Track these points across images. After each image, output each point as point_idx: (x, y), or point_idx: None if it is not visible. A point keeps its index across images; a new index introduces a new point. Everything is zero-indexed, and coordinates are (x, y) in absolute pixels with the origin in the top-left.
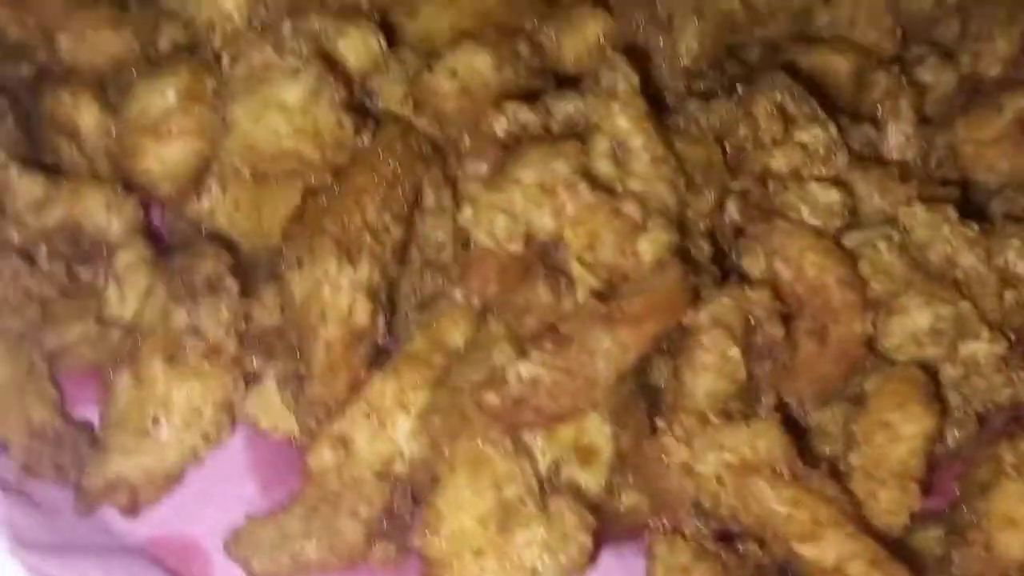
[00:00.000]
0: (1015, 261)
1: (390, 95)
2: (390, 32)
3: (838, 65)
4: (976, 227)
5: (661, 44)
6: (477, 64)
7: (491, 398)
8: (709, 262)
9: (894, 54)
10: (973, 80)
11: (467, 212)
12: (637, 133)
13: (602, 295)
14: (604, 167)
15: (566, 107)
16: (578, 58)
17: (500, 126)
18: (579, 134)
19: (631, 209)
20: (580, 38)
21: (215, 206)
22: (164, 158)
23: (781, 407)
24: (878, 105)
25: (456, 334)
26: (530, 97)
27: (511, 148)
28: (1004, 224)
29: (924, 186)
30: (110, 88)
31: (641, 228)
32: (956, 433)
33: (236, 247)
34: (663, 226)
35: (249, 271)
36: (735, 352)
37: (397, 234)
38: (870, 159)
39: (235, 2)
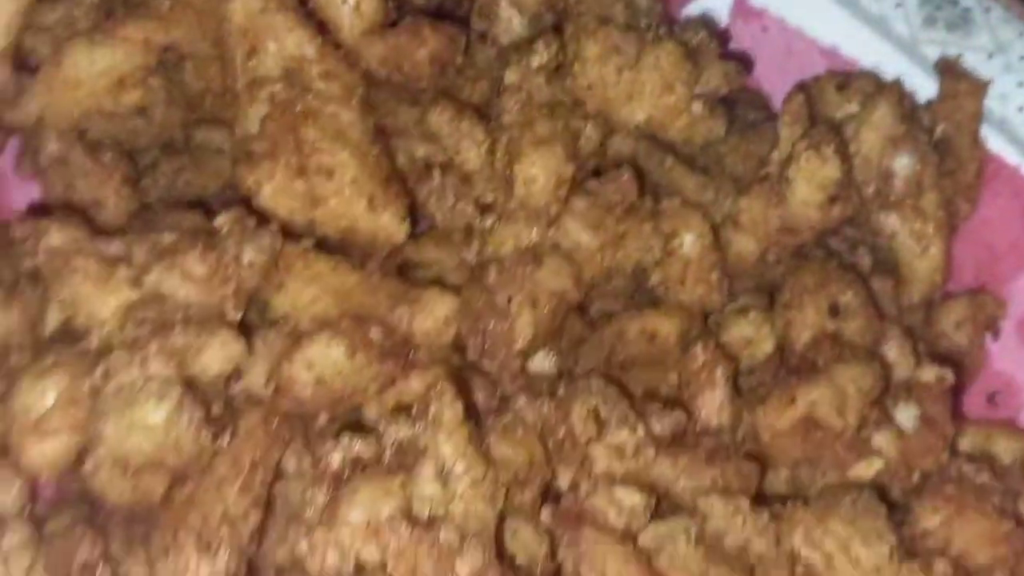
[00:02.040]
0: (800, 546)
1: (255, 376)
2: (262, 307)
3: (666, 329)
4: (767, 515)
5: (500, 329)
6: (332, 355)
7: None
8: (539, 544)
9: (721, 306)
10: (785, 345)
11: (303, 545)
12: (460, 460)
13: None
14: (430, 488)
15: (398, 434)
16: (426, 336)
17: (336, 459)
18: (410, 456)
19: (449, 538)
20: (430, 318)
21: (97, 470)
22: (45, 452)
23: None
24: (695, 374)
25: None
26: (360, 427)
27: (345, 480)
28: (793, 508)
29: (729, 463)
30: None
31: (458, 552)
32: None
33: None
34: (478, 547)
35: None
36: None
37: (255, 519)
38: (681, 441)
39: (110, 310)
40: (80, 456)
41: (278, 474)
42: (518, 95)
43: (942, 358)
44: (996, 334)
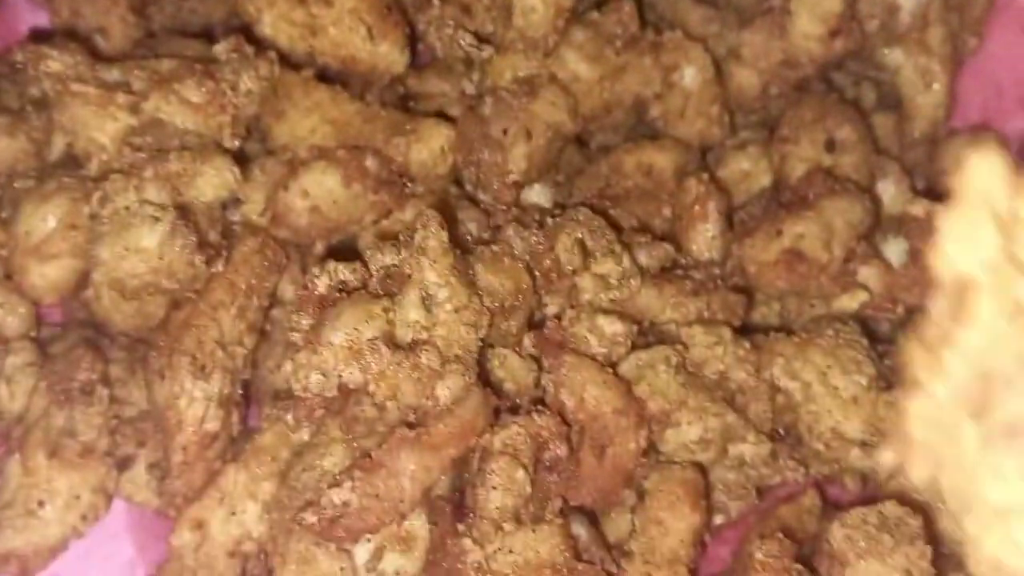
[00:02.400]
0: (779, 376)
1: (253, 203)
2: (263, 136)
3: (662, 162)
4: (747, 344)
5: (494, 160)
6: (327, 183)
7: (308, 517)
8: (526, 371)
9: (722, 140)
10: (780, 179)
11: (287, 367)
12: (443, 286)
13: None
14: (415, 314)
15: (384, 259)
16: (422, 166)
17: (322, 283)
18: (396, 283)
19: (430, 360)
20: (426, 149)
21: (98, 294)
22: (47, 275)
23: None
24: (688, 207)
25: (303, 431)
26: (352, 254)
27: (330, 304)
28: (775, 338)
29: (715, 294)
30: (4, 196)
31: (439, 375)
32: (733, 504)
33: (115, 338)
34: (459, 371)
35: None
36: (521, 475)
37: (250, 343)
38: (671, 274)
39: (109, 135)
40: (82, 281)
41: (275, 301)
42: None
43: (943, 195)
44: None
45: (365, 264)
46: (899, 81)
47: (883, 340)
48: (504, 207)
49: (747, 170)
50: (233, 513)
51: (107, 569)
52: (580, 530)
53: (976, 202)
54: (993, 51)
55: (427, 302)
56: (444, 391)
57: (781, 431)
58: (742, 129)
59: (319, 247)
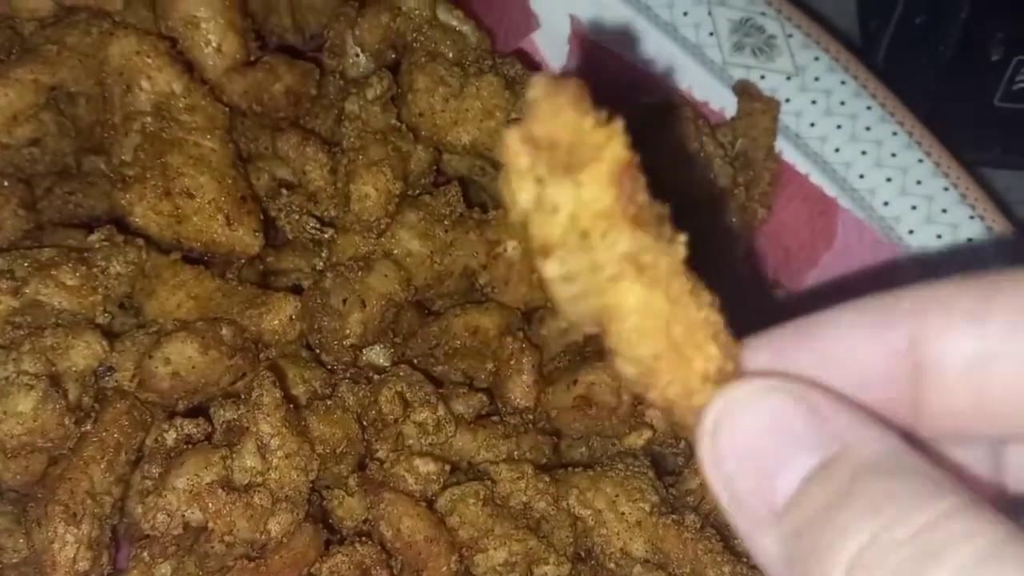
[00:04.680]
0: (574, 505)
1: (124, 370)
2: (137, 311)
3: (486, 323)
4: (547, 479)
5: (333, 327)
6: (186, 351)
7: None
8: (363, 509)
9: (545, 302)
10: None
11: (138, 510)
12: (275, 436)
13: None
14: (251, 461)
15: (225, 415)
16: (274, 333)
17: (170, 437)
18: (236, 433)
19: (262, 499)
20: (276, 319)
21: None
22: None
23: None
24: (506, 362)
25: (164, 567)
26: (198, 411)
27: (177, 455)
28: (572, 473)
29: (525, 436)
30: None
31: (271, 512)
32: None
33: (4, 493)
34: (288, 509)
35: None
36: None
37: (117, 492)
38: (488, 420)
39: None
40: None
41: (141, 455)
42: (356, 123)
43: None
44: None
45: (209, 419)
46: None
47: (670, 472)
48: (343, 367)
49: (564, 327)
50: None
51: None
52: None
53: None
54: (781, 219)
55: (262, 450)
56: (275, 526)
57: (583, 553)
58: None
59: (181, 407)
